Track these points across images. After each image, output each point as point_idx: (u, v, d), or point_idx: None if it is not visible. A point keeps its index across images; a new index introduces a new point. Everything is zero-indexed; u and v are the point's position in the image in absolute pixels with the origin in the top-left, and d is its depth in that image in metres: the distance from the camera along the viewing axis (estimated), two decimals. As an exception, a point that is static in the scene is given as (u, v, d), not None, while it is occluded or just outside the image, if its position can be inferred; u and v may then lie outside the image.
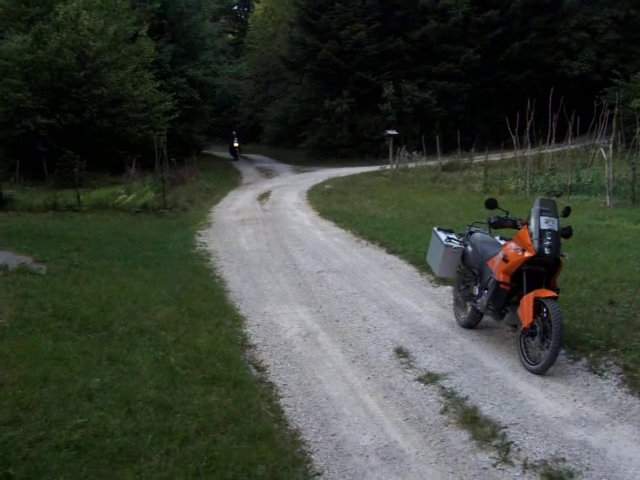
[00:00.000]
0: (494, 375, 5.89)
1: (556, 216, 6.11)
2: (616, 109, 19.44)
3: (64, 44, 21.68)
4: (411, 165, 26.50)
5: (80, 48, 22.26)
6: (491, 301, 6.51)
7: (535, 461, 4.45)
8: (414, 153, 27.82)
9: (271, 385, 5.89)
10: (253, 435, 4.62)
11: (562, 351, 5.99)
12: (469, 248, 7.26)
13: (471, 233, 7.47)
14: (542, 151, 21.87)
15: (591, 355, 6.03)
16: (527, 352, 5.99)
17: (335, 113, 35.51)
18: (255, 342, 7.06)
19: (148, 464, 4.08)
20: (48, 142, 21.73)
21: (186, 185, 21.59)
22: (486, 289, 6.64)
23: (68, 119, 21.99)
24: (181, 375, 5.53)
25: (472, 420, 5.01)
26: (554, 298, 5.86)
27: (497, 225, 6.83)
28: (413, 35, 35.42)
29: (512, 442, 4.68)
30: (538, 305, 5.87)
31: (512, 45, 34.77)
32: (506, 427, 4.90)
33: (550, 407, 5.21)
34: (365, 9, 35.12)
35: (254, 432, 4.67)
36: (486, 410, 5.19)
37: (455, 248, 7.40)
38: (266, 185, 25.38)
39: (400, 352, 6.55)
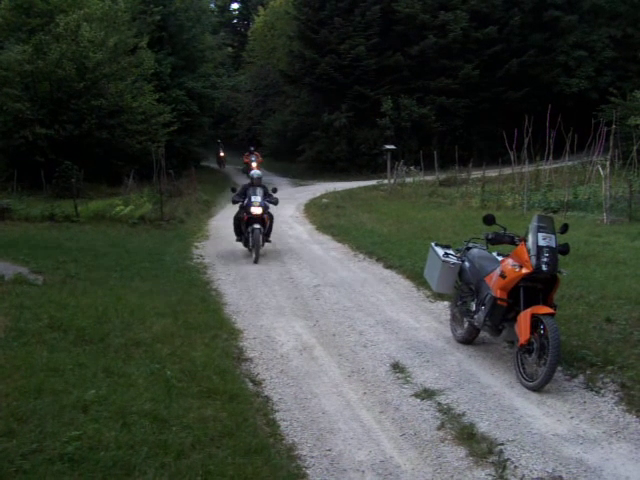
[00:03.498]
0: (491, 391, 5.88)
1: (554, 233, 6.13)
2: (613, 126, 19.50)
3: (64, 55, 21.74)
4: (409, 180, 26.53)
5: (80, 59, 22.31)
6: (488, 317, 6.51)
7: (532, 479, 4.44)
8: (412, 168, 27.85)
9: (267, 399, 5.87)
10: (248, 449, 4.60)
11: (559, 368, 5.98)
12: (466, 264, 7.27)
13: (469, 249, 7.49)
14: (539, 167, 21.93)
15: (588, 372, 6.02)
16: (524, 369, 5.98)
17: (333, 127, 35.56)
18: (251, 355, 7.04)
19: (142, 478, 4.04)
20: (46, 152, 21.72)
21: (184, 197, 21.56)
22: (483, 305, 6.64)
23: (67, 130, 22.02)
24: (177, 388, 5.51)
25: (469, 436, 5.00)
26: (551, 315, 5.86)
27: (495, 241, 6.85)
28: (412, 50, 35.56)
29: (509, 459, 4.66)
30: (535, 322, 5.87)
31: (510, 62, 34.96)
32: (503, 444, 4.89)
33: (547, 424, 5.20)
34: (364, 24, 35.26)
35: (249, 446, 4.64)
36: (483, 427, 5.18)
37: (453, 264, 7.41)
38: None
39: (396, 367, 6.54)
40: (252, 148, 31.44)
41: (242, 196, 12.97)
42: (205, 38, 35.13)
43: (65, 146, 22.11)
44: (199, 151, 36.58)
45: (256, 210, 12.50)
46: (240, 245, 13.16)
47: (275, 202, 13.10)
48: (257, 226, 12.36)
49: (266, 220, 12.78)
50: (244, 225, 12.75)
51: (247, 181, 14.10)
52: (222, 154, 39.73)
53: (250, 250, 12.62)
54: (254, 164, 28.21)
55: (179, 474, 4.13)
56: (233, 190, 13.52)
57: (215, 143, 42.00)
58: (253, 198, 12.65)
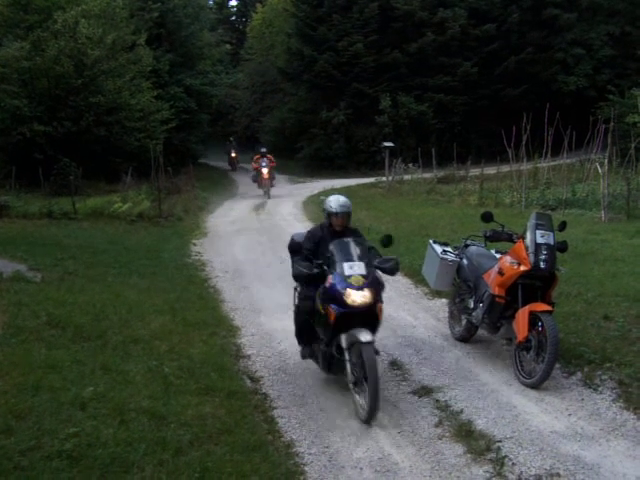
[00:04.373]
0: (489, 388, 5.89)
1: (552, 230, 6.14)
2: (611, 124, 19.49)
3: (62, 52, 21.70)
4: (407, 177, 26.50)
5: (78, 56, 22.27)
6: (486, 314, 6.52)
7: (529, 476, 4.44)
8: (410, 165, 27.82)
9: (265, 396, 5.88)
10: (247, 446, 4.60)
11: (557, 365, 5.98)
12: (465, 261, 7.27)
13: (467, 246, 7.49)
14: (538, 165, 21.90)
15: (586, 369, 6.03)
16: (522, 366, 5.99)
17: (332, 124, 35.53)
18: (249, 353, 7.04)
19: (141, 475, 4.05)
20: (44, 149, 21.70)
21: (182, 194, 21.54)
22: (481, 302, 6.65)
23: (65, 127, 21.98)
24: (175, 385, 5.51)
25: (466, 434, 5.00)
26: (549, 312, 5.87)
27: (493, 238, 6.85)
28: (410, 48, 35.49)
29: (506, 456, 4.67)
30: (533, 319, 5.88)
31: (509, 59, 34.94)
32: (500, 441, 4.89)
33: (545, 421, 5.20)
34: (363, 21, 35.21)
35: (248, 443, 4.64)
36: (481, 424, 5.18)
37: (451, 261, 7.41)
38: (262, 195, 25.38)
39: (394, 364, 6.55)
40: (263, 150, 25.06)
41: (314, 260, 5.94)
42: (203, 35, 35.10)
43: (63, 143, 22.06)
44: (197, 148, 36.51)
45: (358, 296, 5.49)
46: (238, 244, 12.06)
47: (392, 270, 6.06)
48: (367, 338, 5.33)
49: (379, 313, 5.70)
50: (326, 329, 5.71)
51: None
52: (234, 154, 37.43)
53: (347, 381, 5.61)
54: (265, 170, 23.37)
55: (177, 471, 4.13)
56: (293, 251, 6.55)
57: (226, 142, 40.95)
58: (348, 268, 5.64)
